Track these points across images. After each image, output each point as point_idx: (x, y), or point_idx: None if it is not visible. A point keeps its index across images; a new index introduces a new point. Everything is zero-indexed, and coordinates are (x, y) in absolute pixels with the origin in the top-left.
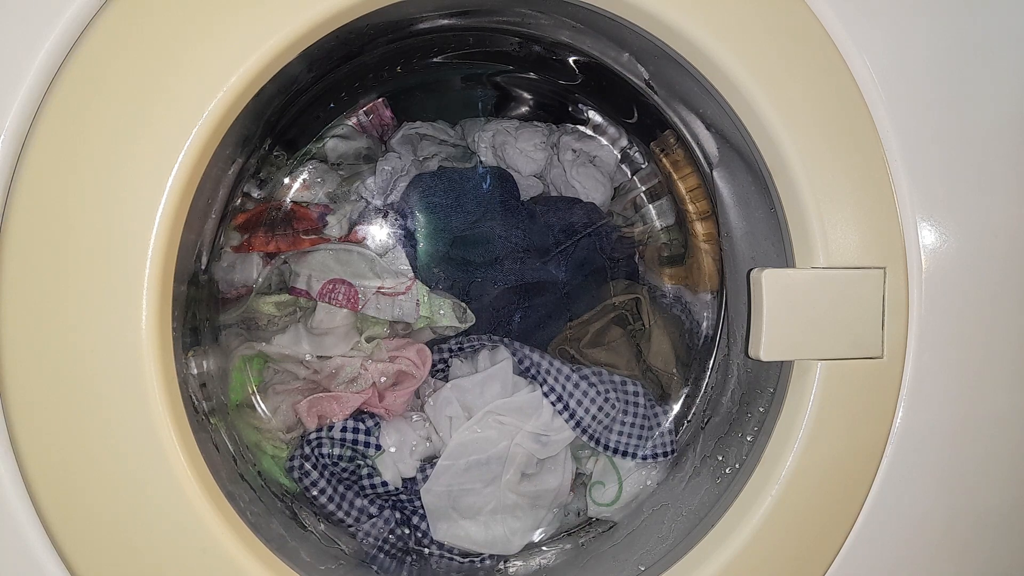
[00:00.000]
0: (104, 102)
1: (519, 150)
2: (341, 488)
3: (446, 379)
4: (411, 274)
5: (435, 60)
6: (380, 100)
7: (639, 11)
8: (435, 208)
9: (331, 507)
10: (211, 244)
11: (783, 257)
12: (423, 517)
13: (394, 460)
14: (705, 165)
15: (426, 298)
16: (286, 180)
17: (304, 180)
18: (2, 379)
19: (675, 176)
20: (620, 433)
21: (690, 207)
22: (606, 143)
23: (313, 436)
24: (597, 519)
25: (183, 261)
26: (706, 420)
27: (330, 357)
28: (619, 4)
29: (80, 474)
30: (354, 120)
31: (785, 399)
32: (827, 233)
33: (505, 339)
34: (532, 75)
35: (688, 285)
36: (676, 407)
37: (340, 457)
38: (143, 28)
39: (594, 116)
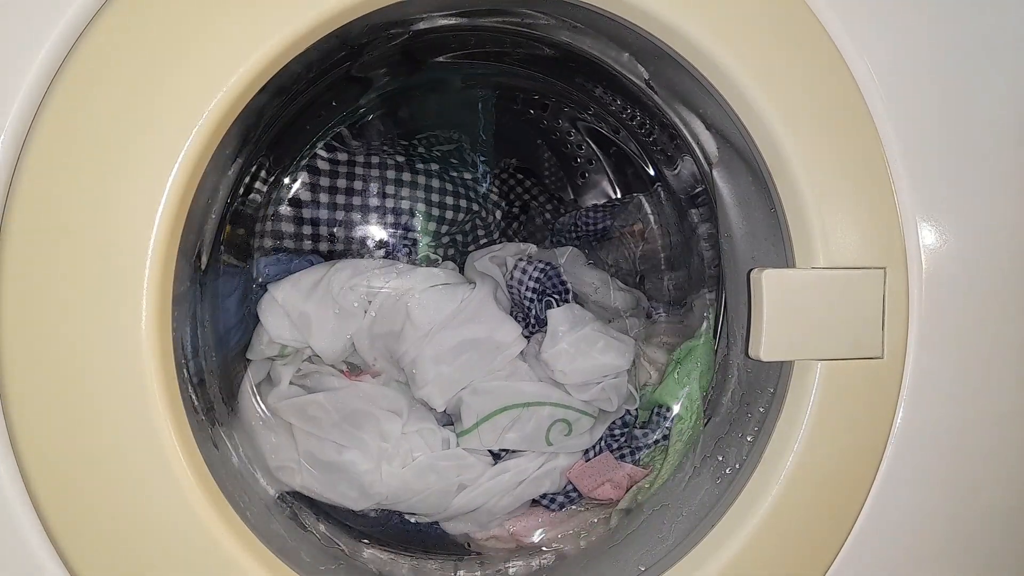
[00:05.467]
0: (104, 102)
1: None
2: None
3: None
4: None
5: (436, 60)
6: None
7: (639, 11)
8: None
9: None
10: (211, 244)
11: (783, 257)
12: None
13: None
14: (705, 165)
15: None
16: (286, 180)
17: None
18: (2, 378)
19: None
20: None
21: None
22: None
23: None
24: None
25: (183, 261)
26: (706, 420)
27: None
28: (619, 4)
29: (80, 474)
30: None
31: (785, 399)
32: (827, 233)
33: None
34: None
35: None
36: (676, 407)
37: None
38: (143, 28)
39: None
